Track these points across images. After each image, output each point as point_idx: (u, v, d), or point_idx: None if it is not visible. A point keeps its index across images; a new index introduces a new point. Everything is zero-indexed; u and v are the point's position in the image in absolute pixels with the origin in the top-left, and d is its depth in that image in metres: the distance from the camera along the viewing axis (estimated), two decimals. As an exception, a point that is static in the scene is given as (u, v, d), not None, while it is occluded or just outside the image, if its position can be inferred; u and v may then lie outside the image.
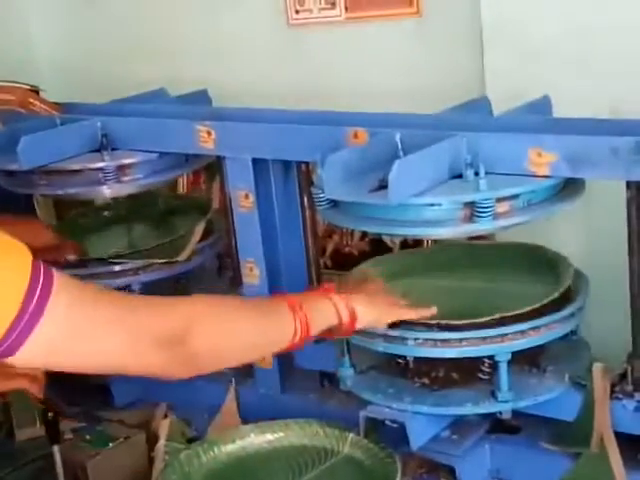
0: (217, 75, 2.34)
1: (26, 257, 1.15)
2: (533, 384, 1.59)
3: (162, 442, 1.76)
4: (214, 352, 1.33)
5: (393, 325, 1.55)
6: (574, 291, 1.61)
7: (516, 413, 1.61)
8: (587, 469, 1.52)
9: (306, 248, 1.91)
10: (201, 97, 2.20)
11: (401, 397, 1.59)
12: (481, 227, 1.46)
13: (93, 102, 2.17)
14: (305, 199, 1.88)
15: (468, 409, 1.57)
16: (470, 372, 1.62)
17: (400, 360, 1.66)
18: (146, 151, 1.91)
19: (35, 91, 2.15)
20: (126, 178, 1.91)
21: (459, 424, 1.65)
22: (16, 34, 2.71)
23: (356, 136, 1.64)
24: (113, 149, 1.92)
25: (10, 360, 1.16)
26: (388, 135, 1.56)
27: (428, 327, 1.54)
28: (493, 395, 1.56)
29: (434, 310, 1.54)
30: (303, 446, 1.66)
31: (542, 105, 1.72)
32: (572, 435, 1.56)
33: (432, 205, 1.46)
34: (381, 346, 1.58)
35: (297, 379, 1.93)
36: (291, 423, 1.69)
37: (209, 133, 1.80)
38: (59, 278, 1.18)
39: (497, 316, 1.52)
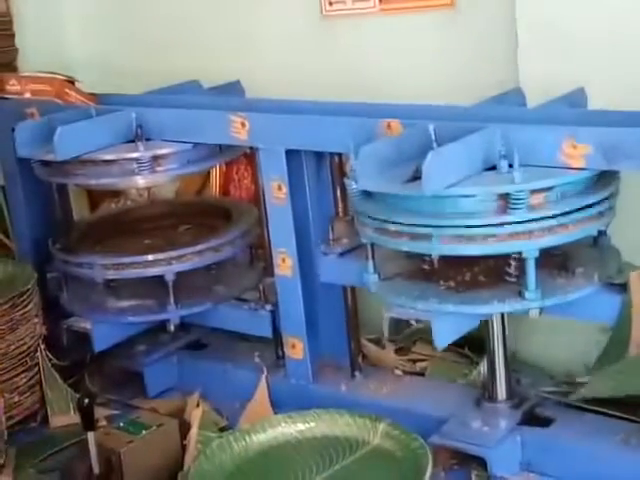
0: (250, 66, 2.35)
1: None
2: (562, 284, 1.56)
3: (195, 430, 1.77)
4: None
5: None
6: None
7: (549, 405, 1.59)
8: (628, 368, 1.54)
9: (338, 239, 1.91)
10: (234, 88, 2.21)
11: (427, 298, 1.56)
12: (515, 219, 1.45)
13: (127, 93, 2.19)
14: (338, 190, 1.89)
15: (495, 307, 1.54)
16: (497, 275, 1.59)
17: (426, 267, 1.64)
18: (180, 142, 1.92)
19: (71, 82, 2.17)
20: (160, 168, 1.92)
21: (490, 415, 1.66)
22: (52, 27, 2.73)
23: (389, 127, 1.64)
24: (147, 140, 1.93)
25: None
26: (422, 126, 1.56)
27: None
28: (520, 294, 1.52)
29: None
30: (334, 436, 1.66)
31: (577, 97, 1.72)
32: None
33: (466, 196, 1.46)
34: (406, 245, 1.53)
35: (328, 370, 1.94)
36: (322, 413, 1.70)
37: (243, 124, 1.81)
38: None
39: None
